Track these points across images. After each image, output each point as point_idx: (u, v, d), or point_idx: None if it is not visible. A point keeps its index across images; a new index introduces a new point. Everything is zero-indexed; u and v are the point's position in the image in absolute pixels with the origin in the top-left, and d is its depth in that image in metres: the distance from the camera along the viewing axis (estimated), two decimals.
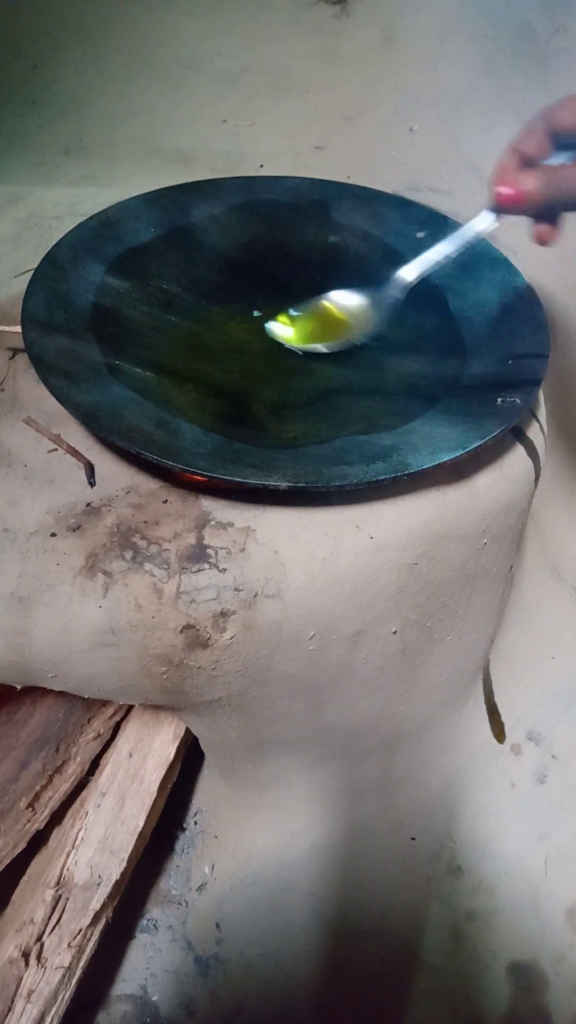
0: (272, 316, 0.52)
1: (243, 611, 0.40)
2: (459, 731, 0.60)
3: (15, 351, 0.53)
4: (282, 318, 0.50)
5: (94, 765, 0.54)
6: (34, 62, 0.90)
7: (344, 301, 0.49)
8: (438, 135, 0.83)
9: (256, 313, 0.51)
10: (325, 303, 0.50)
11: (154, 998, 0.54)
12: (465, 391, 0.48)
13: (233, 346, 0.52)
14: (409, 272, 0.45)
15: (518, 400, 0.45)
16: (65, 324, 0.49)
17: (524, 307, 0.52)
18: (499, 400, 0.45)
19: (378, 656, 0.47)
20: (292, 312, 0.50)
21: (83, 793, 0.53)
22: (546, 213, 0.38)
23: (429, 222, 0.60)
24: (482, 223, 0.42)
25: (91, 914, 0.47)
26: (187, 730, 0.53)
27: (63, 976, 0.45)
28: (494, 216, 0.41)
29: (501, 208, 0.38)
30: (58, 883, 0.48)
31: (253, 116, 0.88)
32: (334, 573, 0.41)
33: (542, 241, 0.40)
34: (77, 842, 0.50)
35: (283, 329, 0.49)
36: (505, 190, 0.37)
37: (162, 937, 0.56)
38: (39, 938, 0.46)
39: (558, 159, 0.38)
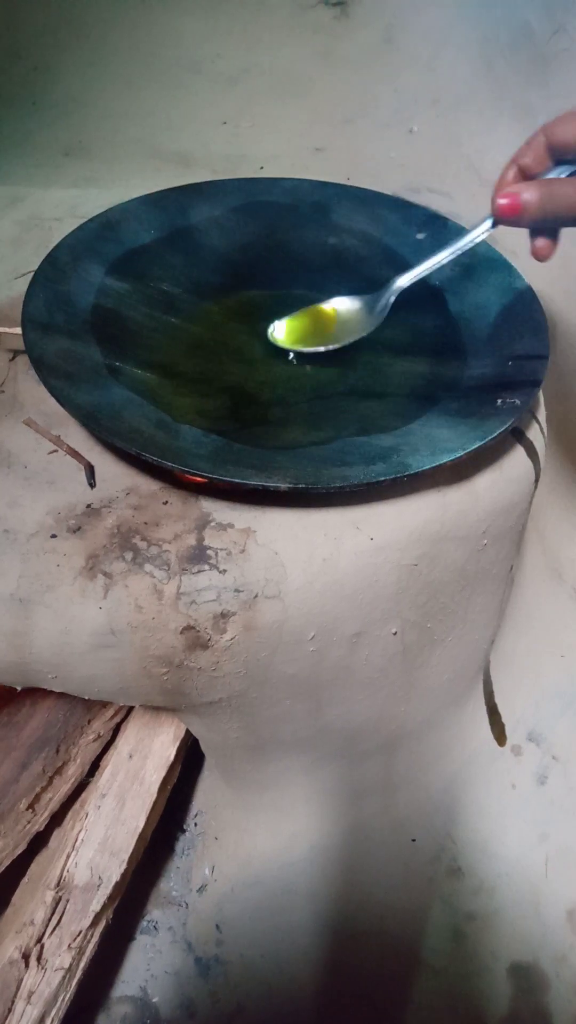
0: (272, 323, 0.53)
1: (243, 612, 0.40)
2: (459, 732, 0.60)
3: (15, 352, 0.53)
4: (286, 325, 0.53)
5: (94, 766, 0.54)
6: (34, 64, 0.91)
7: (340, 305, 0.52)
8: (438, 136, 0.83)
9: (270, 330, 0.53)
10: (319, 307, 0.53)
11: (154, 999, 0.54)
12: (465, 392, 0.48)
13: (233, 347, 0.52)
14: (406, 279, 0.48)
15: (518, 401, 0.45)
16: (65, 325, 0.49)
17: (524, 308, 0.52)
18: (499, 401, 0.45)
19: (378, 657, 0.47)
20: (288, 317, 0.52)
21: (83, 794, 0.53)
22: (544, 226, 0.40)
23: (429, 223, 0.60)
24: (481, 231, 0.43)
25: (91, 915, 0.47)
26: (187, 731, 0.53)
27: (63, 977, 0.45)
28: (492, 225, 0.42)
29: (500, 219, 0.40)
30: (58, 884, 0.48)
31: (253, 118, 0.88)
32: (334, 574, 0.41)
33: (539, 256, 0.42)
34: (77, 843, 0.50)
35: (282, 333, 0.52)
36: (503, 200, 0.39)
37: (162, 938, 0.56)
38: (39, 939, 0.46)
39: (556, 173, 0.40)
